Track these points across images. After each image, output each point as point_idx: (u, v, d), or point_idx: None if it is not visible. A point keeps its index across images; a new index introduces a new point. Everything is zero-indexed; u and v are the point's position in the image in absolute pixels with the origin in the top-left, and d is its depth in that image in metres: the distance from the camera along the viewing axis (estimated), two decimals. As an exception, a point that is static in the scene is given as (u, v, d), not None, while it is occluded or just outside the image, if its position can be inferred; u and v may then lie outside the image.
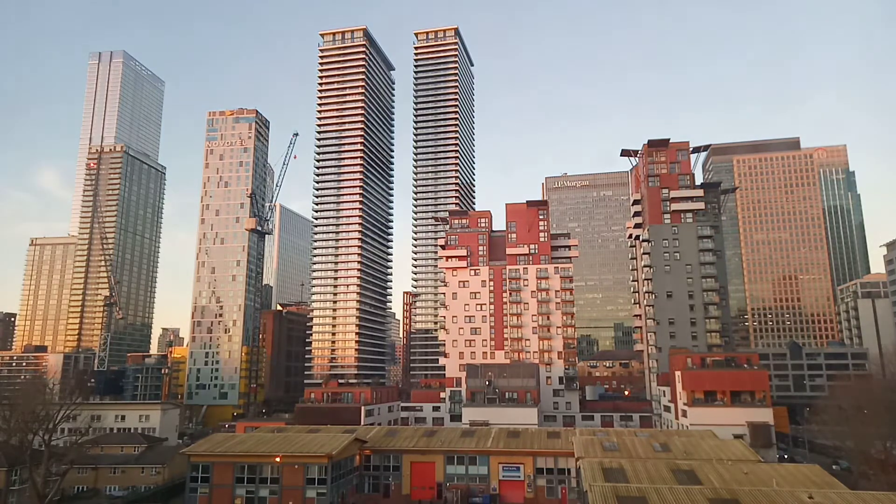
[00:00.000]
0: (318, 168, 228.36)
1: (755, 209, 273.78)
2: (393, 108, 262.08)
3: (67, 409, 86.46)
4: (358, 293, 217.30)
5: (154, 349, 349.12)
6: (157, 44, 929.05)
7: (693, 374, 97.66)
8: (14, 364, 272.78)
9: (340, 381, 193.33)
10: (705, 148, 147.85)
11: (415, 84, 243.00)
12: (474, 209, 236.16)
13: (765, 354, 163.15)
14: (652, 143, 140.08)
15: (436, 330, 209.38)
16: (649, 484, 52.20)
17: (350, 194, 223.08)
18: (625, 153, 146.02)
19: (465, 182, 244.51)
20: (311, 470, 71.75)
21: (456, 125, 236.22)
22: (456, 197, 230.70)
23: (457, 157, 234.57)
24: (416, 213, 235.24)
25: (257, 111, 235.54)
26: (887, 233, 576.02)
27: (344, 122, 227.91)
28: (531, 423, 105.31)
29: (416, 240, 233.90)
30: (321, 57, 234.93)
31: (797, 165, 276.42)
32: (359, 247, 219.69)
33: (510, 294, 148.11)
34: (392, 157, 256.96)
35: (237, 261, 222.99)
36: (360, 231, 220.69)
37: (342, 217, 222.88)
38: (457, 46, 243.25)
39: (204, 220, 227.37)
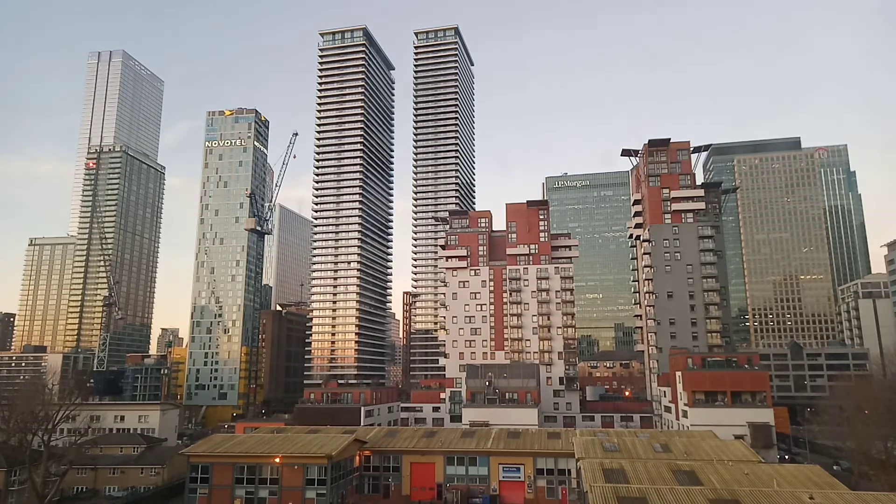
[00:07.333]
0: (317, 168, 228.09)
1: (756, 209, 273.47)
2: (393, 107, 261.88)
3: (66, 409, 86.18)
4: (357, 293, 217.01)
5: (153, 349, 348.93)
6: (157, 43, 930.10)
7: (694, 375, 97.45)
8: (13, 364, 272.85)
9: (340, 381, 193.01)
10: (706, 148, 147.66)
11: (415, 83, 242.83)
12: (474, 209, 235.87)
13: (765, 355, 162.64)
14: (652, 143, 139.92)
15: (436, 330, 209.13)
16: (650, 484, 51.97)
17: (350, 194, 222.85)
18: (625, 153, 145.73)
19: (464, 182, 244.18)
20: (311, 470, 71.60)
21: (456, 124, 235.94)
22: (456, 197, 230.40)
23: (457, 157, 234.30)
24: (416, 213, 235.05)
25: (256, 111, 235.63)
26: (888, 232, 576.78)
27: (343, 122, 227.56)
28: (531, 423, 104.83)
29: (416, 240, 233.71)
30: (321, 56, 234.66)
31: (798, 165, 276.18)
32: (358, 247, 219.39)
33: (510, 294, 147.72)
34: (392, 157, 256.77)
35: (236, 261, 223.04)
36: (359, 231, 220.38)
37: (342, 217, 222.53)
38: (457, 45, 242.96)
39: (203, 219, 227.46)
